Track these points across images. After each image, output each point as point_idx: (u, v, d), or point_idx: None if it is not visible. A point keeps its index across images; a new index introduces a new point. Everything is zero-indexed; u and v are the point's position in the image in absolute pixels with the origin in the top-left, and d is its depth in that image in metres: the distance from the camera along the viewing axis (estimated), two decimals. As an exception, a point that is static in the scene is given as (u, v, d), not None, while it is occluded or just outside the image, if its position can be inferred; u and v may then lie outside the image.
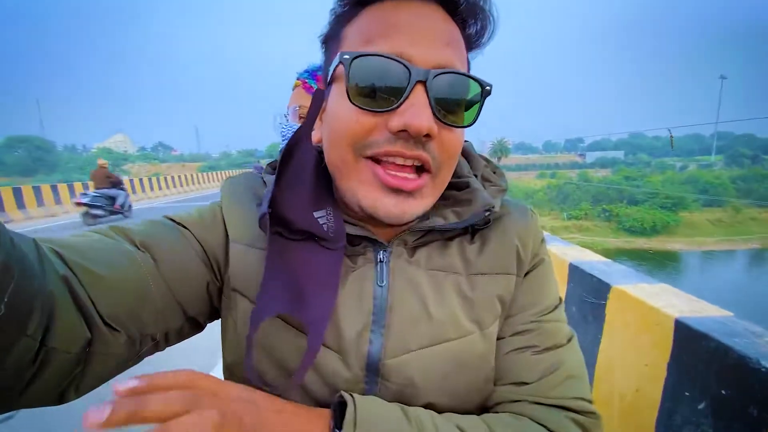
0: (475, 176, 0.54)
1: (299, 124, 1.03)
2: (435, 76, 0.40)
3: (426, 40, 0.41)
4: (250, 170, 0.65)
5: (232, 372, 0.50)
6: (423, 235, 0.50)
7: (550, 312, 0.51)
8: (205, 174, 25.42)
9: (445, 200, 0.51)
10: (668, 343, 1.38)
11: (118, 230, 0.45)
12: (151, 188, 18.49)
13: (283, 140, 1.04)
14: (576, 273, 1.99)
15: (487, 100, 0.44)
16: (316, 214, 0.47)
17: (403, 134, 0.40)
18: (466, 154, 0.57)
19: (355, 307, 0.47)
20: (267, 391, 0.41)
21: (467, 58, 0.47)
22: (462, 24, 0.45)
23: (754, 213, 29.47)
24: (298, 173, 0.48)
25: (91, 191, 9.40)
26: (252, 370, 0.41)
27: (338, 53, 0.42)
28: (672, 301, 1.51)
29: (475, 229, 0.52)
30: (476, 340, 0.48)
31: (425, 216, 0.50)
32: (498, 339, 0.50)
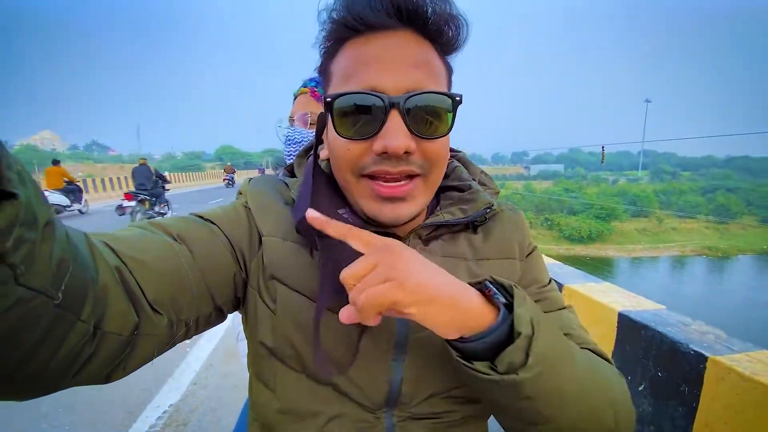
0: (474, 180, 0.62)
1: (307, 130, 1.05)
2: (407, 100, 0.45)
3: (394, 69, 0.46)
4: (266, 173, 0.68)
5: (272, 353, 0.53)
6: (435, 229, 0.57)
7: (548, 284, 0.61)
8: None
9: (451, 200, 0.59)
10: (613, 334, 1.54)
11: (156, 225, 0.49)
12: (86, 190, 17.04)
13: (287, 143, 1.06)
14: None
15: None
16: (339, 211, 0.52)
17: (386, 155, 0.46)
18: (465, 162, 0.65)
19: None
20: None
21: (446, 65, 0.52)
22: (436, 36, 0.49)
23: (674, 223, 32.90)
24: (318, 179, 0.54)
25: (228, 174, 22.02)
26: (321, 352, 0.47)
27: (327, 91, 0.49)
28: (615, 298, 1.69)
29: (476, 225, 0.59)
30: None
31: (435, 213, 0.57)
32: None
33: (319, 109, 1.06)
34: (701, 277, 23.98)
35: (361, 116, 0.46)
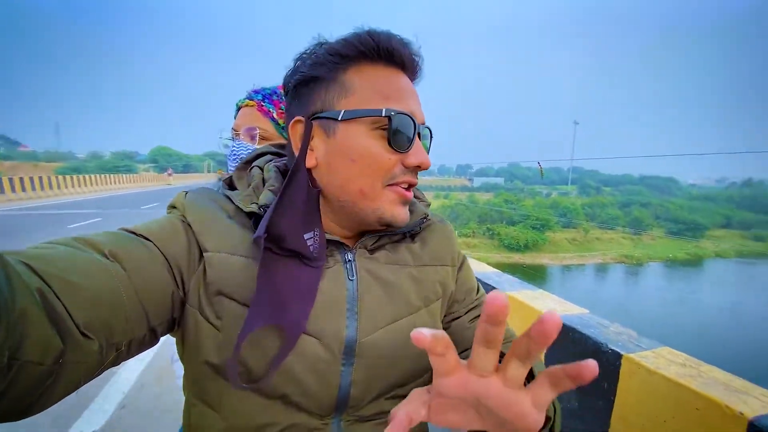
0: None
1: (253, 145, 0.99)
2: (423, 128, 0.57)
3: (417, 103, 0.57)
4: (210, 183, 0.65)
5: (219, 372, 0.52)
6: (378, 239, 0.61)
7: (479, 291, 0.70)
8: (66, 177, 21.38)
9: None
10: (545, 337, 1.68)
11: (83, 241, 0.45)
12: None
13: (232, 158, 0.99)
14: (473, 282, 2.27)
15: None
16: (305, 236, 0.53)
17: (415, 168, 0.56)
18: None
19: (332, 298, 0.54)
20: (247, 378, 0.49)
21: None
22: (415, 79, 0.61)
23: (598, 233, 36.17)
24: (294, 198, 0.53)
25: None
26: (234, 368, 0.48)
27: (382, 108, 0.52)
28: (548, 303, 1.85)
29: (413, 234, 0.65)
30: (423, 314, 0.60)
31: None
32: (455, 319, 0.66)
33: (266, 124, 1.01)
34: (618, 282, 26.69)
35: (402, 134, 0.53)
